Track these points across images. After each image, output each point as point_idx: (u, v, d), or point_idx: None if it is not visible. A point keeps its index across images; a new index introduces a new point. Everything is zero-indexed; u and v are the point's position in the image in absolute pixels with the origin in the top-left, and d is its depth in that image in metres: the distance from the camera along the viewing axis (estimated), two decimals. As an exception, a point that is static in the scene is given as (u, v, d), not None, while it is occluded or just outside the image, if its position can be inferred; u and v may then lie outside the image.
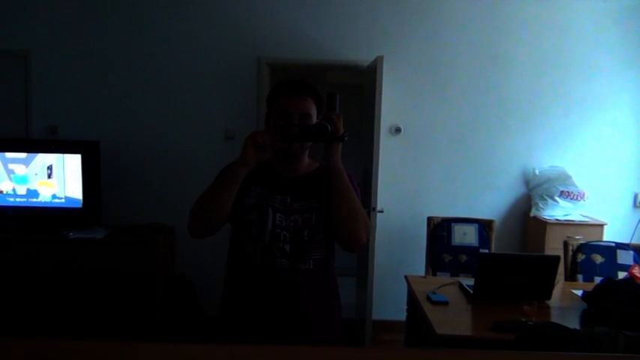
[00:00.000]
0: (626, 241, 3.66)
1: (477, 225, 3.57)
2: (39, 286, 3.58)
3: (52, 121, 3.98)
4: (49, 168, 3.73)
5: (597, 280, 2.97)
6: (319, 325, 1.70)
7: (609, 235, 3.71)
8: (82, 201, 3.73)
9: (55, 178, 3.73)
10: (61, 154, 3.72)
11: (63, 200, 3.75)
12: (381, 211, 3.59)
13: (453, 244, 3.52)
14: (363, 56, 3.86)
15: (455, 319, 2.38)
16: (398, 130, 4.02)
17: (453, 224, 3.57)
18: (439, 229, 3.56)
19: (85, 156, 3.72)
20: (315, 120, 1.65)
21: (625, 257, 3.17)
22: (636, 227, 4.07)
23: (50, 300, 3.59)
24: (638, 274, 2.76)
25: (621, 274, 3.06)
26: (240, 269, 1.70)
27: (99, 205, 3.79)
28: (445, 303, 2.51)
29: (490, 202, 4.09)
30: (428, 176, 4.09)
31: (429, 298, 2.55)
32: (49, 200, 3.74)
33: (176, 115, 4.01)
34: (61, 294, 3.59)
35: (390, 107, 3.83)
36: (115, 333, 3.58)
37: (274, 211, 1.66)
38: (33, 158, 3.72)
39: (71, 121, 3.98)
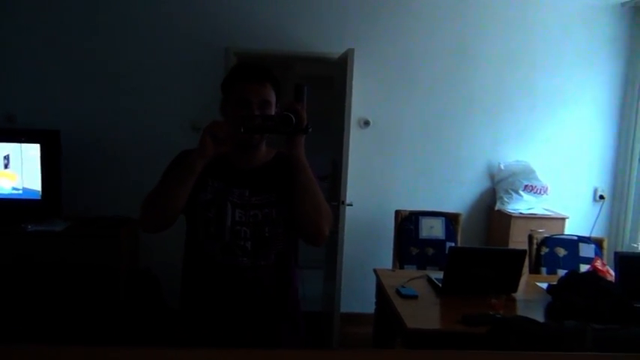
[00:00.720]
0: (586, 234, 3.74)
1: (443, 218, 3.60)
2: (-5, 281, 3.43)
3: (8, 108, 3.80)
4: (6, 158, 3.57)
5: (560, 272, 3.03)
6: (282, 316, 1.68)
7: (571, 229, 3.79)
8: (40, 192, 3.59)
9: (12, 169, 3.57)
10: (18, 144, 3.56)
11: (21, 191, 3.59)
12: (350, 205, 3.57)
13: (420, 237, 3.53)
14: (333, 48, 3.82)
15: (425, 312, 2.39)
16: (367, 123, 4.01)
17: (420, 217, 3.58)
18: (407, 223, 3.56)
19: (45, 145, 3.57)
20: (274, 107, 1.60)
21: (587, 250, 3.24)
22: (596, 221, 4.17)
23: (7, 295, 3.44)
24: (600, 267, 2.83)
25: (583, 267, 3.13)
26: (199, 265, 1.64)
27: (59, 197, 3.65)
28: (415, 297, 2.52)
29: (457, 195, 4.13)
30: (396, 170, 4.09)
31: (398, 292, 2.55)
32: (8, 192, 3.57)
33: (140, 105, 3.89)
34: (20, 289, 3.45)
35: (359, 100, 3.80)
36: (76, 328, 3.47)
37: (233, 206, 1.60)
38: (-12, 147, 3.55)
39: (30, 109, 3.82)
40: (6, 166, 3.57)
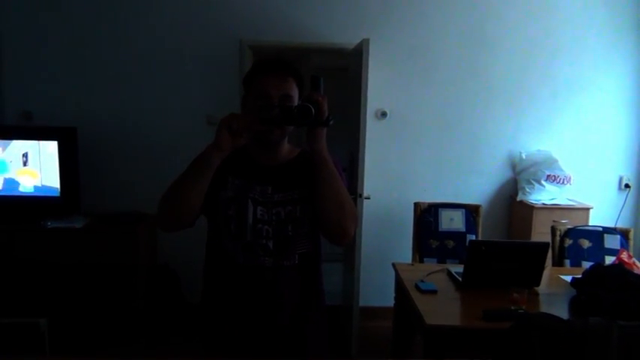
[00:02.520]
0: (611, 224, 3.67)
1: (464, 210, 3.55)
2: (15, 278, 3.48)
3: (26, 106, 3.84)
4: (25, 155, 3.61)
5: (585, 265, 2.97)
6: (305, 321, 1.63)
7: (595, 219, 3.71)
8: (59, 189, 3.62)
9: (32, 166, 3.61)
10: (36, 141, 3.60)
11: (40, 188, 3.63)
12: (368, 198, 3.54)
13: (440, 229, 3.49)
14: (348, 39, 3.77)
15: (444, 308, 2.36)
16: (384, 114, 3.96)
17: (440, 209, 3.54)
18: (426, 215, 3.53)
19: (62, 143, 3.60)
20: (296, 102, 1.53)
21: (612, 242, 3.17)
22: (621, 210, 4.08)
23: (28, 291, 3.50)
24: (626, 260, 2.75)
25: (608, 259, 3.06)
26: (221, 267, 1.60)
27: (77, 194, 3.68)
28: (434, 292, 2.48)
29: (477, 186, 4.07)
30: (414, 161, 4.04)
31: (417, 287, 2.52)
32: (29, 190, 3.61)
33: (155, 101, 3.90)
34: (40, 285, 3.50)
35: (376, 91, 3.76)
36: (95, 324, 3.51)
37: (254, 203, 1.55)
38: (7, 145, 3.59)
39: (47, 106, 3.84)
40: (25, 164, 3.61)
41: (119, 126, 3.90)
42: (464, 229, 3.50)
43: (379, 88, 3.83)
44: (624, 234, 3.22)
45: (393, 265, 2.93)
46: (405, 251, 3.64)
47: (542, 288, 2.58)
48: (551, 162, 3.86)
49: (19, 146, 3.60)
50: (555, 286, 2.69)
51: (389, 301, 3.06)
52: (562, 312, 2.27)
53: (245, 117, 1.44)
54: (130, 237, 3.53)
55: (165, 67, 3.88)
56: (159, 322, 3.66)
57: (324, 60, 4.98)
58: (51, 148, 3.59)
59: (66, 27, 3.81)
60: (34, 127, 3.73)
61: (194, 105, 3.89)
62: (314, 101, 1.41)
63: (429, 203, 3.57)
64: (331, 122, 1.42)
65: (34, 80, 3.85)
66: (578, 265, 3.10)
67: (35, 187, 3.63)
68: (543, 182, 3.82)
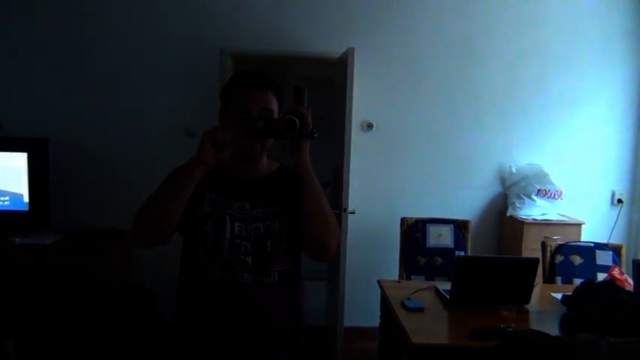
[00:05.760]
0: (604, 240, 3.72)
1: (452, 225, 3.58)
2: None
3: (-5, 116, 3.82)
4: (-8, 167, 3.58)
5: (576, 282, 3.01)
6: (285, 341, 1.64)
7: (587, 235, 3.76)
8: (28, 203, 3.59)
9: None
10: (4, 152, 3.57)
11: (8, 202, 3.60)
12: (353, 212, 3.56)
13: (427, 245, 3.51)
14: (333, 48, 3.81)
15: (431, 326, 2.37)
16: (370, 125, 4.01)
17: (427, 225, 3.57)
18: (413, 231, 3.55)
19: (32, 154, 3.58)
20: (276, 116, 1.56)
21: (604, 258, 3.22)
22: (614, 226, 4.15)
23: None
24: (618, 276, 2.81)
25: (601, 276, 3.11)
26: (196, 283, 1.60)
27: (47, 208, 3.65)
28: (421, 309, 2.50)
29: (466, 201, 4.12)
30: (401, 175, 4.08)
31: (403, 305, 2.53)
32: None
33: (132, 110, 3.91)
34: (7, 305, 3.45)
35: (362, 102, 3.80)
36: (65, 346, 3.46)
37: (232, 219, 1.57)
38: (-27, 157, 3.57)
39: (16, 116, 3.82)
40: (-8, 177, 3.58)
41: (93, 137, 3.89)
42: (452, 245, 3.53)
43: (365, 99, 3.87)
44: (616, 250, 3.27)
45: (379, 282, 2.94)
46: (391, 268, 3.65)
47: (533, 305, 2.61)
48: (542, 176, 3.92)
49: (-14, 158, 3.57)
50: (546, 304, 2.73)
51: (375, 320, 3.06)
52: (552, 330, 2.30)
53: (229, 130, 1.45)
54: (103, 254, 3.50)
55: (143, 75, 3.89)
56: (132, 344, 3.62)
57: (308, 70, 5.02)
58: (20, 160, 3.57)
59: (37, 35, 3.81)
60: (2, 138, 3.70)
61: (172, 115, 3.90)
62: (298, 113, 1.43)
63: (416, 218, 3.59)
64: (315, 134, 1.45)
65: (3, 89, 3.83)
66: (570, 281, 3.13)
67: (2, 202, 3.60)
68: (534, 197, 3.87)
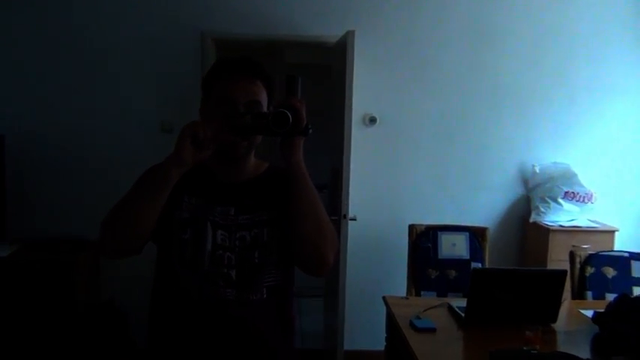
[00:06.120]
0: (640, 249, 3.73)
1: (467, 234, 3.58)
2: None
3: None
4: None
5: (609, 297, 3.00)
6: None
7: (621, 244, 3.78)
8: (-19, 210, 3.60)
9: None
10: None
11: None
12: (354, 219, 3.56)
13: (439, 257, 3.51)
14: (330, 31, 3.82)
15: (444, 349, 2.37)
16: (373, 120, 4.01)
17: (439, 233, 3.56)
18: (423, 240, 3.55)
19: (-15, 154, 3.59)
20: (265, 109, 1.56)
21: (641, 269, 3.22)
22: (652, 233, 4.16)
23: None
24: (657, 290, 2.81)
25: (636, 290, 3.11)
26: (172, 300, 1.59)
27: (3, 216, 3.65)
28: (432, 330, 2.49)
29: (483, 206, 4.12)
30: (409, 176, 4.08)
31: (412, 324, 2.52)
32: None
33: (99, 104, 3.90)
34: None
35: (363, 93, 3.80)
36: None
37: (214, 227, 1.57)
38: None
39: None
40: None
41: (54, 135, 3.89)
42: (468, 256, 3.53)
43: (367, 90, 3.87)
44: (655, 260, 3.28)
45: (384, 298, 2.93)
46: (398, 283, 3.64)
47: (560, 325, 2.60)
48: (569, 177, 3.93)
49: None
50: (575, 323, 2.72)
51: (379, 343, 3.06)
52: (582, 352, 2.29)
53: (212, 125, 1.44)
54: (67, 268, 3.50)
55: (111, 64, 3.88)
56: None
57: (301, 56, 5.02)
58: (-29, 160, 3.57)
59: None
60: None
61: (146, 109, 3.90)
62: (290, 106, 1.42)
63: (426, 225, 3.59)
64: (310, 131, 1.44)
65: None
66: (602, 297, 3.13)
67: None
68: (560, 200, 3.88)
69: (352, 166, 3.48)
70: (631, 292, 3.09)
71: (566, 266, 3.19)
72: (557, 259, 3.66)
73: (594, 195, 3.91)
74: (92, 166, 3.91)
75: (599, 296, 3.16)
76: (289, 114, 1.41)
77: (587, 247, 3.49)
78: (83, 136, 3.91)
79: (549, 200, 3.90)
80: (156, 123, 3.85)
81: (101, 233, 1.49)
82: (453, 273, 3.49)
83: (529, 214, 4.05)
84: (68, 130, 3.90)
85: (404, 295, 3.39)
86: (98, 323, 3.68)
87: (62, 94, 3.88)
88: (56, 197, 3.91)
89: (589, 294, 3.20)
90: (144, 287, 1.93)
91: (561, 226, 3.87)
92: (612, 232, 3.85)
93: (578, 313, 2.83)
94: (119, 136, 3.91)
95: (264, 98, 1.58)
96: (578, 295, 3.22)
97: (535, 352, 2.21)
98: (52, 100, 3.88)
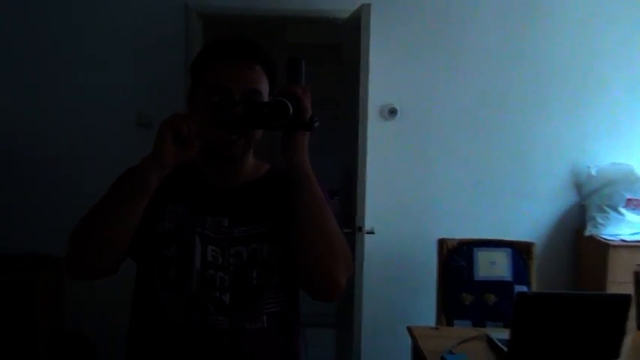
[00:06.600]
0: None
1: (509, 250, 3.56)
2: None
3: None
4: None
5: (683, 327, 2.99)
6: None
7: (696, 262, 3.75)
8: None
9: None
10: None
11: None
12: (371, 232, 3.55)
13: (475, 278, 3.50)
14: (341, 4, 3.82)
15: (483, 390, 2.36)
16: (393, 112, 4.00)
17: (475, 249, 3.56)
18: (455, 257, 3.54)
19: None
20: (266, 99, 1.55)
21: None
22: None
23: None
24: None
25: None
26: (153, 330, 1.59)
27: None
28: (468, 367, 2.48)
29: (527, 216, 4.11)
30: (437, 180, 4.08)
31: (444, 360, 2.51)
32: None
33: (62, 94, 3.91)
34: None
35: (381, 79, 3.81)
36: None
37: (204, 241, 1.56)
38: None
39: None
40: None
41: (12, 132, 3.90)
42: (510, 278, 3.51)
43: (386, 76, 3.88)
44: None
45: (409, 329, 2.92)
46: (425, 309, 3.65)
47: (624, 361, 2.60)
48: (632, 181, 3.91)
49: None
50: (641, 358, 2.71)
51: (402, 383, 3.07)
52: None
53: (196, 119, 1.42)
54: (26, 290, 3.52)
55: (76, 44, 3.90)
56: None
57: (304, 35, 5.03)
58: None
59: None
60: None
61: (119, 99, 3.91)
62: (291, 94, 1.41)
63: (459, 240, 3.58)
64: (316, 124, 1.44)
65: None
66: (674, 327, 3.12)
67: None
68: (622, 209, 3.86)
69: (368, 167, 3.48)
70: None
71: (630, 289, 3.17)
72: (619, 281, 3.65)
73: (663, 203, 3.89)
74: (56, 168, 3.92)
75: (670, 326, 3.14)
76: (289, 104, 1.40)
77: (656, 267, 3.47)
78: (46, 132, 3.92)
79: (608, 209, 3.88)
80: (132, 116, 3.86)
81: (69, 250, 1.47)
82: (492, 298, 3.47)
83: (584, 226, 4.03)
84: (27, 123, 3.92)
85: (433, 324, 3.39)
86: (62, 356, 3.70)
87: (24, 84, 3.91)
88: (12, 206, 3.92)
89: (658, 323, 3.19)
90: (118, 313, 1.93)
91: (623, 240, 3.85)
92: (686, 248, 3.82)
93: (645, 347, 2.81)
94: (89, 131, 3.92)
95: (264, 87, 1.57)
96: (645, 324, 3.21)
97: (594, 394, 2.19)
98: (11, 92, 3.90)
